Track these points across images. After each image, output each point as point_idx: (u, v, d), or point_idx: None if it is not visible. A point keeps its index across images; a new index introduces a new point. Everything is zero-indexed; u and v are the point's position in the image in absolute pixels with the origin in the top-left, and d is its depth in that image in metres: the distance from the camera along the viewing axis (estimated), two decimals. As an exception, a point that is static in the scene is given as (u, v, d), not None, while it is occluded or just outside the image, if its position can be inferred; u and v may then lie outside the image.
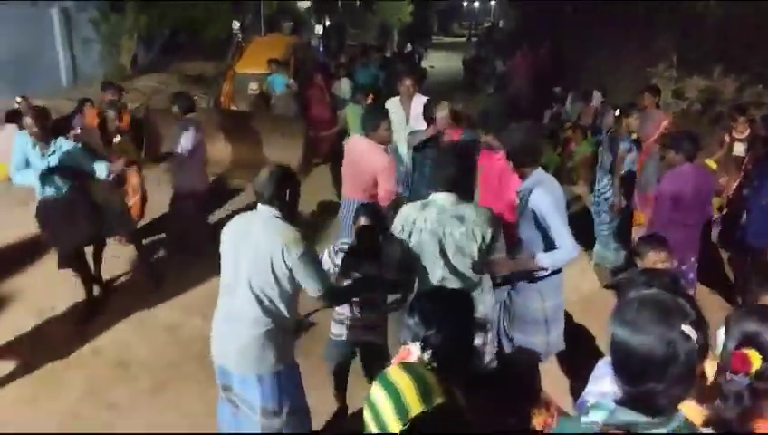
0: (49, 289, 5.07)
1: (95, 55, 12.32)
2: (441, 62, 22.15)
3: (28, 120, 4.46)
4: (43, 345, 4.47)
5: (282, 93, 9.13)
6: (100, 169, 4.61)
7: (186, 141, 5.48)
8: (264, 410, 2.79)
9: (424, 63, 19.08)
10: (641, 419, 1.31)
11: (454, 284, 2.97)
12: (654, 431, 1.30)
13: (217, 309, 2.93)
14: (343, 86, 9.98)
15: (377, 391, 1.44)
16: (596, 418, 1.37)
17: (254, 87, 9.93)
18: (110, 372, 4.23)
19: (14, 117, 7.82)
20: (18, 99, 8.32)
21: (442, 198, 2.96)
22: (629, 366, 1.33)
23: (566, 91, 11.22)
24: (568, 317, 4.71)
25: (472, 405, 1.62)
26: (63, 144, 4.56)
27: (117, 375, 4.21)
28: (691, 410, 1.44)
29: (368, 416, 1.44)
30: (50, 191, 4.52)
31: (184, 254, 5.77)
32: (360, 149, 4.47)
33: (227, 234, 2.86)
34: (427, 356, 1.54)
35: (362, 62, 11.45)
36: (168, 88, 12.24)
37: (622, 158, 5.52)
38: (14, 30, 10.12)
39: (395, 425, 1.36)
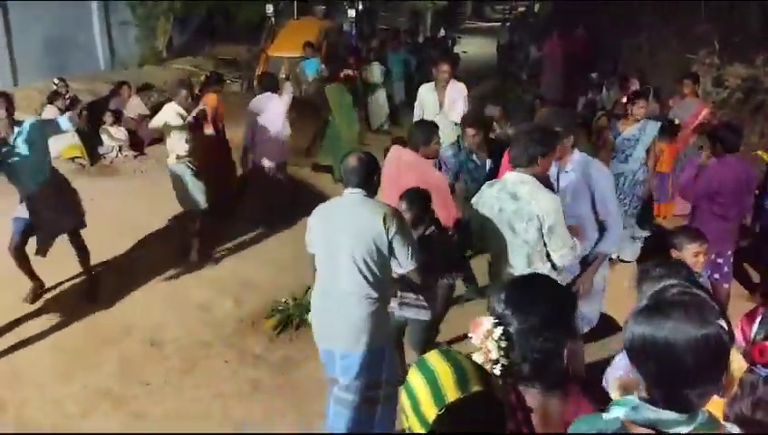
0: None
1: (132, 38, 12.48)
2: (474, 47, 21.86)
3: None
4: (78, 321, 4.61)
5: (313, 78, 9.15)
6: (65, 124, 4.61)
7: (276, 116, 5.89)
8: (366, 386, 2.95)
9: (456, 49, 18.85)
10: (666, 415, 1.28)
11: (507, 259, 3.06)
12: (680, 429, 1.27)
13: (317, 293, 3.05)
14: (374, 71, 9.94)
15: (414, 376, 1.45)
16: (618, 414, 1.33)
17: (285, 72, 9.96)
18: (142, 350, 4.34)
19: (55, 98, 8.03)
20: (55, 80, 8.51)
21: (511, 177, 3.03)
22: (675, 370, 1.27)
23: (603, 77, 10.96)
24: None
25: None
26: (26, 124, 4.38)
27: (149, 353, 4.31)
28: (713, 403, 1.41)
29: (404, 401, 1.44)
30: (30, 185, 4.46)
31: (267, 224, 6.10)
32: (409, 163, 4.00)
33: (317, 221, 3.02)
34: (498, 333, 1.52)
35: (394, 46, 11.38)
36: (203, 71, 12.36)
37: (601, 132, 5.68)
38: (53, 13, 10.30)
39: (431, 411, 1.36)
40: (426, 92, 6.04)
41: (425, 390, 1.38)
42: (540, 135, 3.01)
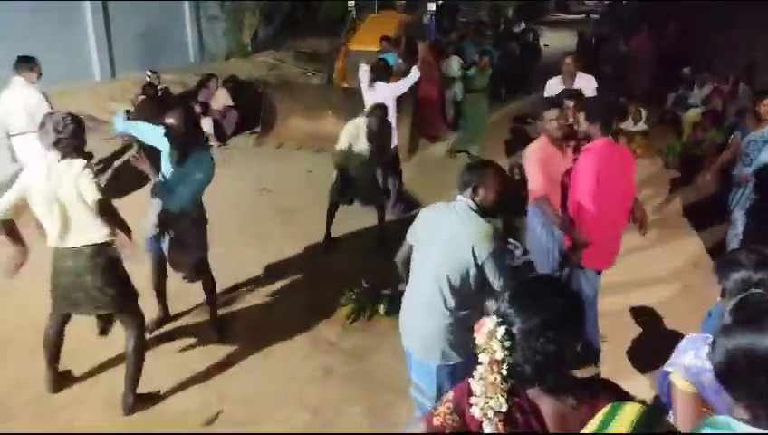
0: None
1: (219, 32, 12.96)
2: (557, 40, 21.22)
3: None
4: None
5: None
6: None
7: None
8: (435, 397, 2.84)
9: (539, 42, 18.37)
10: None
11: None
12: None
13: (408, 288, 3.00)
14: (452, 64, 9.86)
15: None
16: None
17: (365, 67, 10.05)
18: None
19: (148, 89, 8.46)
20: (149, 72, 8.95)
21: None
22: None
23: (696, 72, 10.41)
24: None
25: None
26: (204, 157, 4.00)
27: (228, 337, 4.47)
28: None
29: None
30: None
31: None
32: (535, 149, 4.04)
33: (422, 221, 2.92)
34: (500, 332, 1.53)
35: (474, 40, 11.23)
36: (286, 64, 12.69)
37: (734, 146, 5.26)
38: (148, 8, 10.86)
39: None
40: (553, 86, 5.82)
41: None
42: None
